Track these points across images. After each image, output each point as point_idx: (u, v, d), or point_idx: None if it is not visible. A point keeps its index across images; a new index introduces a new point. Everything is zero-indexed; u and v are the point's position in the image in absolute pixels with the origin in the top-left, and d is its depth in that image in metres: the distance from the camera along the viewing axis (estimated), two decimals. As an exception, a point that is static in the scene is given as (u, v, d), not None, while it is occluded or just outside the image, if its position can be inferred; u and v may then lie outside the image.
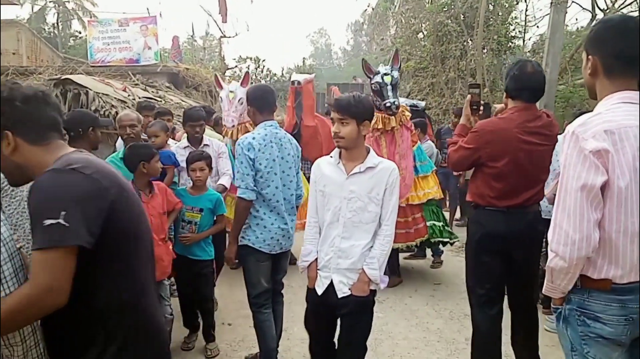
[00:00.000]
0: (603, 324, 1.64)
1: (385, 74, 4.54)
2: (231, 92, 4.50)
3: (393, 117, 4.59)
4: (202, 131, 4.26)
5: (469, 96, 3.10)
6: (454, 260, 6.02)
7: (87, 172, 1.39)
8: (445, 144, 7.46)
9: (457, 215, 8.19)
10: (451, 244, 5.49)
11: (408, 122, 4.82)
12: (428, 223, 4.99)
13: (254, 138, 3.04)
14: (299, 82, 5.43)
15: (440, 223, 5.05)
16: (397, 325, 4.11)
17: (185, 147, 4.18)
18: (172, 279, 3.86)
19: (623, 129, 1.57)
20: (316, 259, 2.57)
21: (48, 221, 1.28)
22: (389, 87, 4.50)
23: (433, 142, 6.97)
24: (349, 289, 2.46)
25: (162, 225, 3.25)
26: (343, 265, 2.47)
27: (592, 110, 1.70)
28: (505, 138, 2.73)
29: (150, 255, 1.67)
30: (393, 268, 5.03)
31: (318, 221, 2.59)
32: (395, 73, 4.58)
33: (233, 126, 4.48)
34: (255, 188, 3.00)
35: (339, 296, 2.47)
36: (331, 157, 2.57)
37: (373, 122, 4.56)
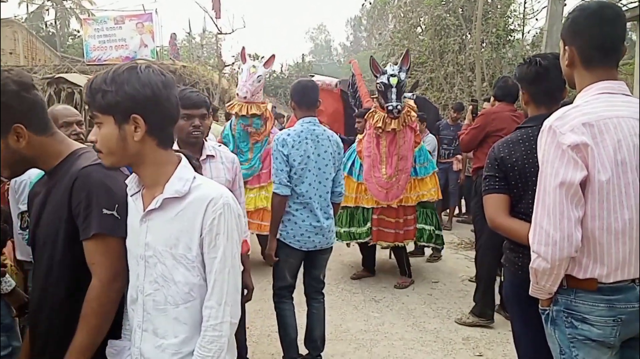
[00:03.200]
0: (591, 326, 1.57)
1: (392, 75, 4.36)
2: (253, 66, 4.57)
3: (396, 120, 4.44)
4: (207, 128, 2.56)
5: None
6: (453, 258, 5.94)
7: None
8: (444, 139, 7.40)
9: (455, 211, 8.10)
10: (439, 250, 5.41)
11: (413, 123, 4.64)
12: (418, 226, 4.85)
13: (288, 134, 3.07)
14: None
15: (431, 228, 4.89)
16: (394, 325, 4.04)
17: None
18: None
19: (602, 121, 1.50)
20: None
21: (106, 211, 1.38)
22: (394, 90, 4.33)
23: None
24: None
25: None
26: None
27: (570, 102, 1.62)
28: (503, 117, 3.98)
29: None
30: (403, 269, 4.99)
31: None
32: (403, 75, 4.41)
33: (245, 97, 4.49)
34: (289, 183, 3.03)
35: None
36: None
37: (375, 119, 4.53)
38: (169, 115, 1.37)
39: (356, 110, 5.72)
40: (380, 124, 4.48)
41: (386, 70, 4.43)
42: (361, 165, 4.78)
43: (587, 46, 1.59)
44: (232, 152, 3.24)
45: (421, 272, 5.40)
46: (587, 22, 1.59)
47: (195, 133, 2.39)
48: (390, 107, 4.32)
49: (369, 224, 4.77)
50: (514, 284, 2.07)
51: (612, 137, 1.48)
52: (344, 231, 4.86)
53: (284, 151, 3.02)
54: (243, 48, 5.06)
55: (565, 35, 1.66)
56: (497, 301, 4.08)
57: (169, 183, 1.35)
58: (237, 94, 4.62)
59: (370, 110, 4.69)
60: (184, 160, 1.42)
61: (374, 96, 4.89)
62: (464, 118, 7.85)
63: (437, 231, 4.94)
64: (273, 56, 4.83)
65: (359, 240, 4.86)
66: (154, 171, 1.38)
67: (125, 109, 1.29)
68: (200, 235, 1.33)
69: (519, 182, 2.02)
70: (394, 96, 4.33)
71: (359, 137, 5.01)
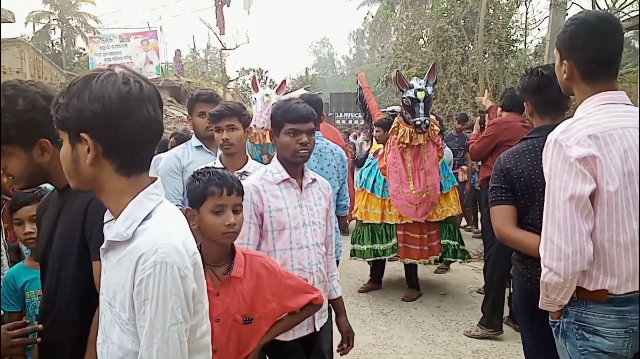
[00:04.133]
0: (602, 338, 1.55)
1: (419, 90, 4.33)
2: (267, 95, 4.54)
3: (422, 134, 4.41)
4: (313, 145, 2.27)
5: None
6: (460, 269, 5.90)
7: None
8: (448, 151, 7.41)
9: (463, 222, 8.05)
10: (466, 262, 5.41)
11: (436, 137, 4.65)
12: (443, 241, 4.82)
13: None
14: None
15: (455, 243, 4.86)
16: (402, 338, 4.00)
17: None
18: None
19: (607, 132, 1.50)
20: None
21: None
22: (421, 104, 4.29)
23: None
24: None
25: (244, 344, 1.71)
26: None
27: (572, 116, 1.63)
28: (515, 127, 3.83)
29: None
30: (412, 282, 4.98)
31: None
32: (430, 89, 4.39)
33: (263, 127, 4.41)
34: None
35: None
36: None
37: (400, 134, 4.52)
38: (130, 134, 1.09)
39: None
40: (406, 139, 4.45)
41: (413, 85, 4.38)
42: (384, 180, 4.73)
43: (588, 61, 1.59)
44: None
45: (429, 284, 5.36)
46: (587, 38, 1.58)
47: (303, 151, 2.05)
48: (418, 122, 4.27)
49: (394, 240, 4.71)
50: (523, 296, 2.05)
51: (618, 148, 1.48)
52: (367, 249, 4.79)
53: None
54: (254, 77, 5.05)
55: (562, 48, 1.65)
56: (506, 312, 4.04)
57: (120, 218, 1.12)
58: (254, 125, 4.62)
59: (394, 126, 4.65)
60: (145, 191, 1.14)
61: (399, 108, 4.85)
62: (468, 129, 7.87)
63: (461, 246, 4.90)
64: (284, 81, 4.87)
65: (383, 257, 4.79)
66: (113, 201, 1.14)
67: (74, 126, 1.09)
68: (131, 290, 1.05)
69: (525, 193, 2.01)
70: (422, 111, 4.29)
71: (373, 149, 4.97)
